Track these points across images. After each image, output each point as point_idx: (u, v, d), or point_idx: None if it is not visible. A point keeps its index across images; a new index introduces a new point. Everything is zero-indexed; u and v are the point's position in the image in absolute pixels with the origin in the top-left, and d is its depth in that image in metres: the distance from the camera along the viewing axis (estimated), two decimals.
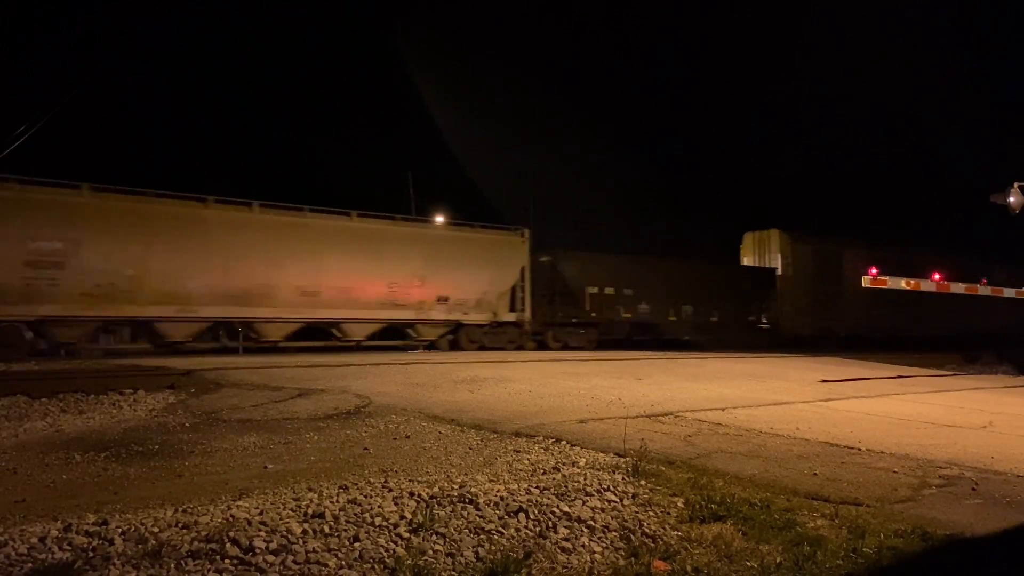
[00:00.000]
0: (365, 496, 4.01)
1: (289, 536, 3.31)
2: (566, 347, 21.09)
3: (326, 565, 3.09)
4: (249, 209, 16.82)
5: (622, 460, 5.09)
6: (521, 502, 3.92)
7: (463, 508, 3.82)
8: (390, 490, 4.15)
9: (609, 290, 22.60)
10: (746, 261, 29.11)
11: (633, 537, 3.64)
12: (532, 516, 3.77)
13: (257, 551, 3.13)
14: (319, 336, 18.21)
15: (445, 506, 3.83)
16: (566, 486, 4.28)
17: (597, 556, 3.42)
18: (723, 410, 8.10)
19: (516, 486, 4.27)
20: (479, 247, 20.19)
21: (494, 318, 20.10)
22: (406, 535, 3.43)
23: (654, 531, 3.72)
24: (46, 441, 6.10)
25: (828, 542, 3.56)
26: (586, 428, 6.66)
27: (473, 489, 4.12)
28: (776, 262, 27.95)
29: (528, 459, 5.30)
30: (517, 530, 3.61)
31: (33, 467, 5.12)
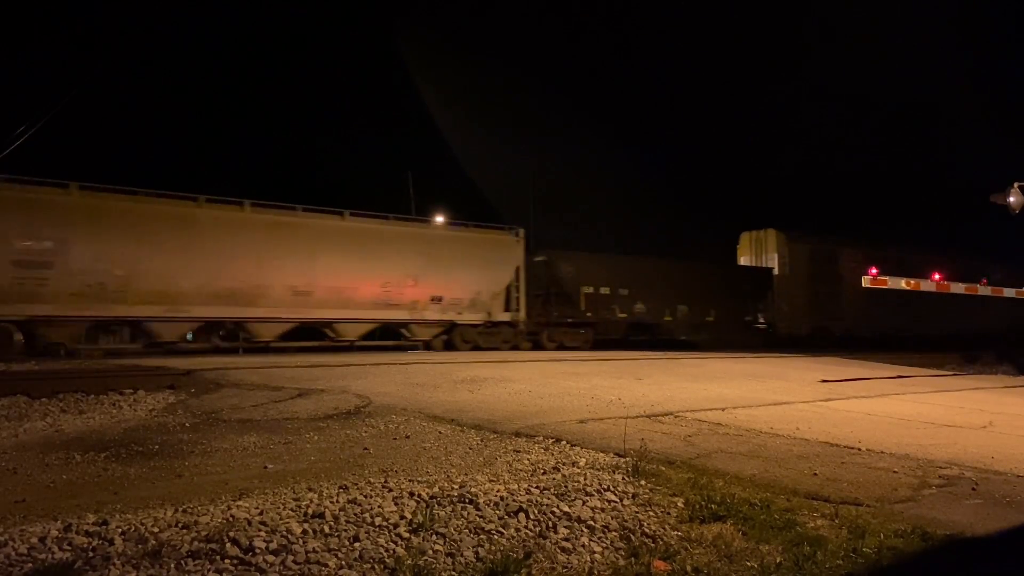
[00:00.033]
0: (365, 496, 4.01)
1: (289, 536, 3.31)
2: (561, 347, 21.05)
3: (326, 565, 3.09)
4: (241, 208, 16.77)
5: (622, 460, 5.09)
6: (521, 502, 3.92)
7: (463, 508, 3.82)
8: (390, 490, 4.15)
9: (605, 290, 22.60)
10: (743, 261, 29.11)
11: (633, 537, 3.64)
12: (532, 516, 3.77)
13: (257, 551, 3.14)
14: (312, 336, 18.17)
15: (445, 506, 3.83)
16: (566, 486, 4.28)
17: (597, 556, 3.42)
18: (723, 410, 8.10)
19: (516, 486, 4.27)
20: (473, 247, 20.14)
21: (488, 318, 20.07)
22: (406, 535, 3.43)
23: (654, 531, 3.72)
24: (46, 441, 6.10)
25: (828, 542, 3.56)
26: (586, 428, 6.66)
27: (473, 489, 4.12)
28: (773, 262, 27.95)
29: (528, 459, 5.30)
30: (517, 530, 3.61)
31: (33, 467, 5.12)
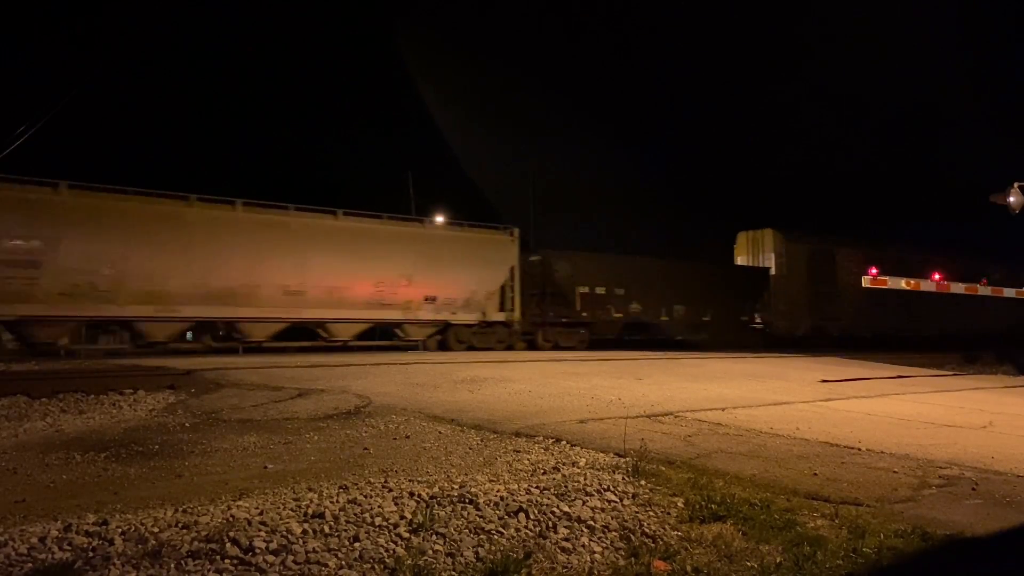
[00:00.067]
0: (365, 496, 4.01)
1: (289, 536, 3.31)
2: (556, 347, 21.00)
3: (326, 565, 3.09)
4: (232, 208, 16.69)
5: (622, 460, 5.09)
6: (521, 502, 3.92)
7: (463, 508, 3.82)
8: (390, 490, 4.15)
9: (600, 290, 22.53)
10: (740, 261, 29.06)
11: (633, 537, 3.64)
12: (532, 516, 3.77)
13: (257, 551, 3.13)
14: (305, 336, 18.10)
15: (445, 506, 3.83)
16: (566, 486, 4.28)
17: (597, 556, 3.42)
18: (723, 410, 8.10)
19: (516, 486, 4.27)
20: (468, 246, 20.06)
21: (483, 318, 19.99)
22: (406, 535, 3.43)
23: (654, 531, 3.72)
24: (46, 441, 6.10)
25: (828, 542, 3.56)
26: (586, 428, 6.66)
27: (473, 489, 4.12)
28: (770, 262, 27.91)
29: (528, 459, 5.30)
30: (517, 530, 3.61)
31: (33, 467, 5.12)
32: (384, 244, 18.59)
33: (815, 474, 5.03)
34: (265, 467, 5.16)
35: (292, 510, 3.71)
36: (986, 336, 28.39)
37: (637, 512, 3.96)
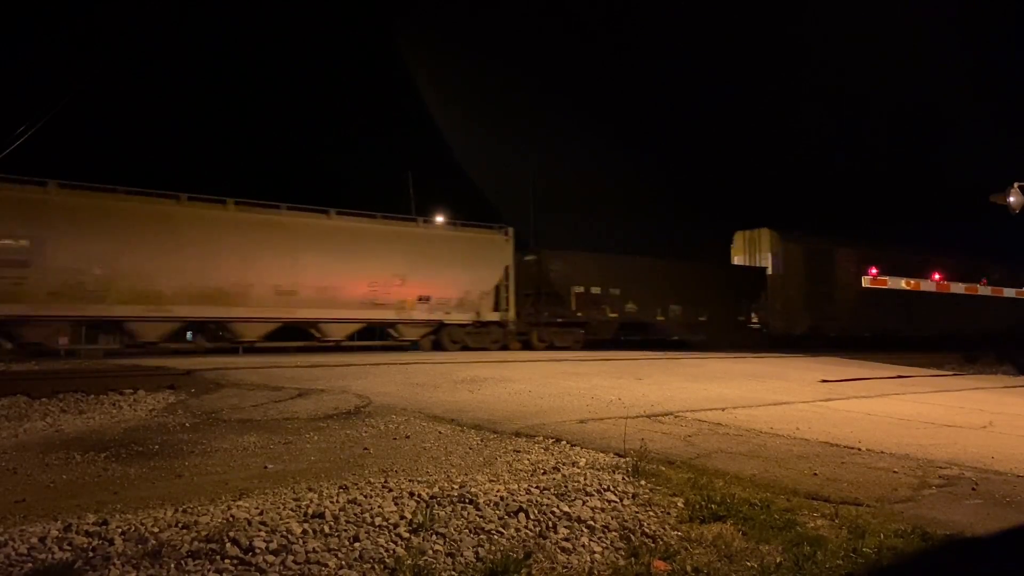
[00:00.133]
0: (365, 496, 4.01)
1: (289, 536, 3.31)
2: (551, 347, 20.94)
3: (326, 565, 3.09)
4: (224, 207, 16.63)
5: (622, 460, 5.09)
6: (521, 502, 3.92)
7: (463, 508, 3.82)
8: (390, 490, 4.15)
9: (595, 289, 22.45)
10: (737, 260, 29.01)
11: (633, 537, 3.64)
12: (532, 516, 3.77)
13: (257, 551, 3.14)
14: (297, 336, 18.03)
15: (445, 506, 3.83)
16: (566, 486, 4.28)
17: (597, 556, 3.42)
18: (723, 410, 8.10)
19: (516, 486, 4.27)
20: (462, 246, 20.00)
21: (477, 318, 19.92)
22: (406, 535, 3.43)
23: (654, 531, 3.72)
24: (46, 441, 6.10)
25: (828, 542, 3.56)
26: (586, 428, 6.66)
27: (473, 489, 4.12)
28: (767, 261, 27.88)
29: (528, 459, 5.30)
30: (517, 530, 3.61)
31: (33, 467, 5.12)
32: (377, 243, 18.52)
33: (815, 474, 5.03)
34: (265, 467, 5.16)
35: (292, 510, 3.71)
36: (986, 336, 28.38)
37: (637, 512, 3.96)
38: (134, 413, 7.63)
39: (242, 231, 16.71)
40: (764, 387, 10.94)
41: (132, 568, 2.95)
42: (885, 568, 3.31)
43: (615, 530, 3.71)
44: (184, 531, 3.36)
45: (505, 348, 20.06)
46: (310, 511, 3.67)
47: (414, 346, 19.38)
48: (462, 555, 3.29)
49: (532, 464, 5.10)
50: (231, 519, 3.53)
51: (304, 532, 3.38)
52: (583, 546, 3.50)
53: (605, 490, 4.24)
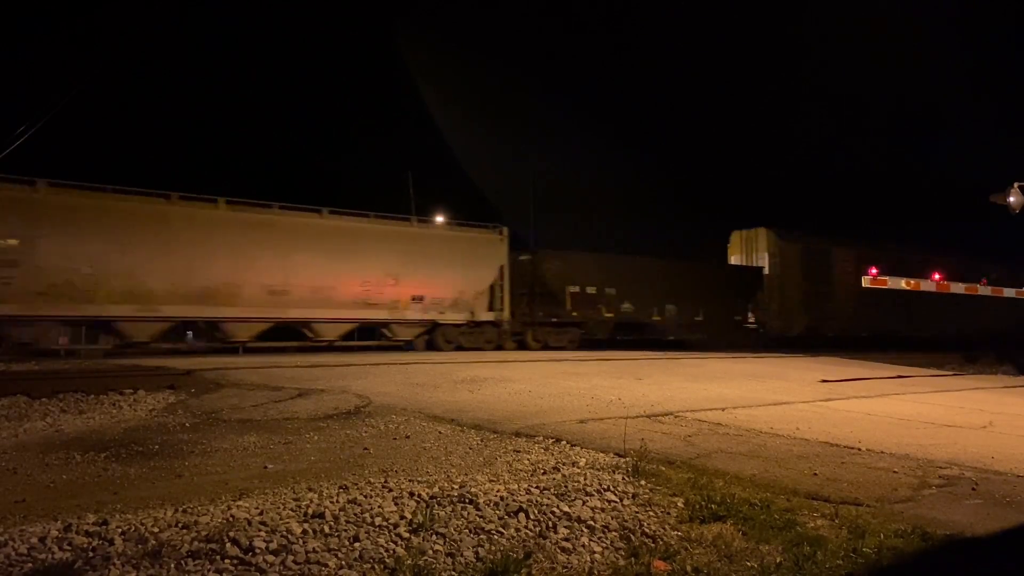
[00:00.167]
0: (365, 496, 4.01)
1: (289, 536, 3.31)
2: (546, 347, 20.90)
3: (326, 565, 3.09)
4: (215, 206, 16.57)
5: (622, 460, 5.09)
6: (521, 502, 3.92)
7: (463, 508, 3.82)
8: (390, 490, 4.15)
9: (591, 289, 22.40)
10: (734, 260, 28.94)
11: (633, 537, 3.64)
12: (532, 516, 3.77)
13: (257, 551, 3.13)
14: (290, 336, 17.96)
15: (445, 506, 3.83)
16: (566, 486, 4.28)
17: (597, 556, 3.41)
18: (723, 410, 8.10)
19: (516, 486, 4.27)
20: (456, 245, 19.94)
21: (472, 318, 19.86)
22: (406, 535, 3.43)
23: (654, 531, 3.72)
24: (46, 441, 6.10)
25: (828, 542, 3.56)
26: (586, 428, 6.66)
27: (473, 489, 4.12)
28: (764, 261, 27.83)
29: (528, 459, 5.30)
30: (517, 530, 3.61)
31: (33, 467, 5.12)
32: (370, 243, 18.46)
33: (815, 474, 5.03)
34: (265, 467, 5.16)
35: (292, 510, 3.71)
36: (985, 336, 28.36)
37: (637, 512, 3.96)
38: (134, 413, 7.63)
39: (234, 230, 16.64)
40: (764, 387, 10.94)
41: (132, 568, 2.95)
42: (885, 568, 3.31)
43: (615, 530, 3.71)
44: (184, 531, 3.36)
45: (500, 348, 20.00)
46: (310, 511, 3.67)
47: (409, 346, 19.31)
48: (462, 555, 3.29)
49: (532, 464, 5.10)
50: (231, 519, 3.53)
51: (304, 532, 3.38)
52: (583, 546, 3.50)
53: (605, 490, 4.24)
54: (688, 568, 3.28)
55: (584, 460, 5.18)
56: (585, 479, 4.48)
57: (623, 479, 4.54)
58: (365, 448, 5.82)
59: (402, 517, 3.64)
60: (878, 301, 29.13)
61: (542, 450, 5.67)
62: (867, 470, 5.21)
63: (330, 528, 3.45)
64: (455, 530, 3.53)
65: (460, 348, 19.40)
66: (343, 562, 3.13)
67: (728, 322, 25.96)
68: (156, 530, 3.36)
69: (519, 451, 5.63)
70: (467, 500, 3.92)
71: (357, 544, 3.31)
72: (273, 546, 3.20)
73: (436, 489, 4.14)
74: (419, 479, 4.58)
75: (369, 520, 3.58)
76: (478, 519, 3.68)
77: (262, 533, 3.31)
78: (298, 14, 67.43)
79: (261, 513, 3.63)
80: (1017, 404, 10.10)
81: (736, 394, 9.76)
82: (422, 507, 3.78)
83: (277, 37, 67.78)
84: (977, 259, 33.97)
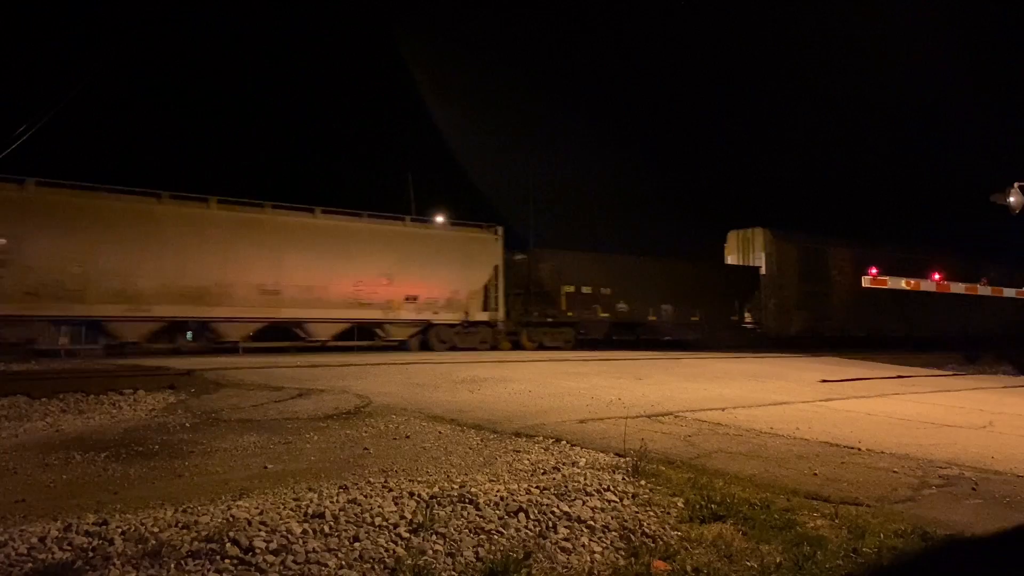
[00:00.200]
0: (365, 496, 4.01)
1: (289, 536, 3.31)
2: (541, 347, 20.82)
3: (326, 565, 3.09)
4: (206, 205, 16.48)
5: (622, 460, 5.09)
6: (521, 502, 3.92)
7: (463, 508, 3.82)
8: (390, 490, 4.15)
9: (586, 289, 22.33)
10: (731, 260, 28.87)
11: (633, 537, 3.64)
12: (532, 516, 3.77)
13: (257, 551, 3.13)
14: (282, 336, 17.87)
15: (445, 506, 3.83)
16: (566, 486, 4.28)
17: (597, 556, 3.41)
18: (723, 410, 8.10)
19: (516, 486, 4.27)
20: (450, 245, 19.85)
21: (466, 318, 19.78)
22: (406, 535, 3.43)
23: (654, 531, 3.72)
24: (46, 441, 6.10)
25: (828, 542, 3.56)
26: (586, 428, 6.66)
27: (473, 489, 4.12)
28: (760, 261, 27.79)
29: (528, 459, 5.30)
30: (517, 530, 3.61)
31: (33, 467, 5.12)
32: (363, 242, 18.37)
33: (815, 474, 5.03)
34: (265, 467, 5.15)
35: (292, 510, 3.71)
36: (984, 337, 28.34)
37: (637, 512, 3.96)
38: (134, 413, 7.63)
39: (225, 230, 16.54)
40: (764, 387, 10.94)
41: (132, 568, 2.95)
42: (885, 568, 3.31)
43: (615, 530, 3.71)
44: (184, 531, 3.36)
45: (495, 348, 19.90)
46: (310, 511, 3.67)
47: (403, 346, 19.23)
48: (462, 555, 3.29)
49: (532, 464, 5.10)
50: (231, 519, 3.53)
51: (304, 532, 3.38)
52: (583, 546, 3.50)
53: (605, 490, 4.24)
54: (688, 568, 3.28)
55: (584, 460, 5.18)
56: (585, 479, 4.48)
57: (623, 479, 4.54)
58: (365, 448, 5.82)
59: (402, 517, 3.64)
60: (876, 301, 29.08)
61: (542, 450, 5.67)
62: (867, 470, 5.21)
63: (330, 528, 3.45)
64: (455, 530, 3.53)
65: (454, 348, 19.29)
66: (343, 562, 3.13)
67: (724, 322, 25.92)
68: (156, 530, 3.36)
69: (519, 451, 5.63)
70: (467, 500, 3.92)
71: (357, 544, 3.31)
72: (273, 546, 3.20)
73: (436, 489, 4.14)
74: (419, 479, 4.58)
75: (369, 520, 3.58)
76: (478, 519, 3.68)
77: (262, 533, 3.31)
78: (298, 14, 67.43)
79: (261, 513, 3.63)
80: (1017, 404, 10.10)
81: (736, 394, 9.76)
82: (422, 507, 3.78)
83: (277, 37, 67.82)
84: (976, 259, 33.94)
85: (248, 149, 61.62)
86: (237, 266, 16.55)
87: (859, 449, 5.99)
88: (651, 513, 3.97)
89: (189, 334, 17.10)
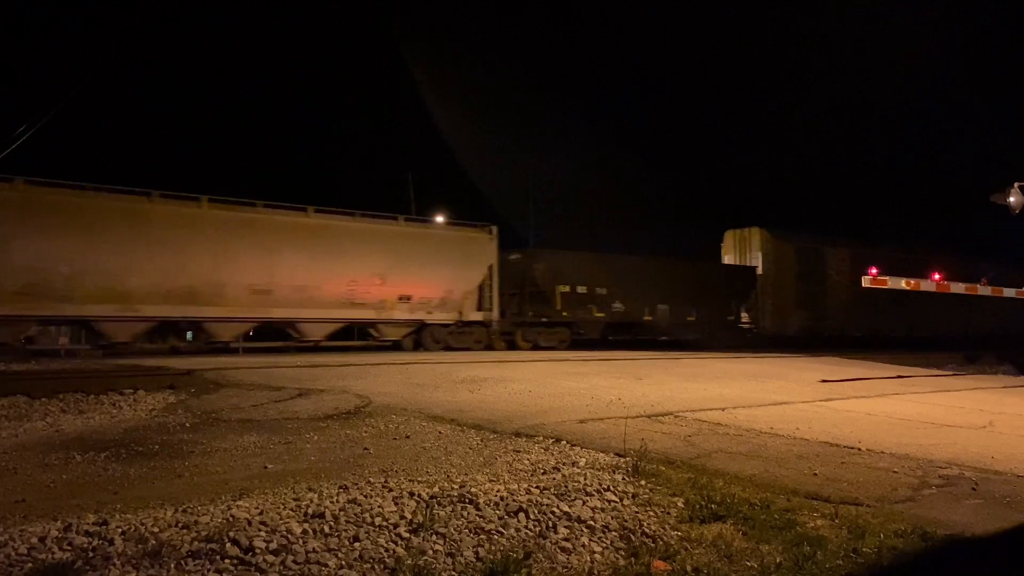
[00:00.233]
0: (365, 496, 4.01)
1: (289, 536, 3.31)
2: (536, 347, 20.76)
3: (326, 565, 3.09)
4: (197, 204, 16.41)
5: (622, 460, 5.09)
6: (521, 502, 3.92)
7: (463, 508, 3.82)
8: (390, 490, 4.15)
9: (582, 289, 22.23)
10: (727, 260, 28.81)
11: (633, 537, 3.64)
12: (532, 516, 3.77)
13: (257, 551, 3.13)
14: (274, 336, 17.77)
15: (445, 506, 3.83)
16: (566, 486, 4.28)
17: (597, 556, 3.41)
18: (723, 410, 8.10)
19: (516, 486, 4.27)
20: (444, 244, 19.78)
21: (460, 317, 19.71)
22: (406, 535, 3.43)
23: (654, 531, 3.72)
24: (46, 441, 6.10)
25: (828, 542, 3.56)
26: (586, 428, 6.66)
27: (473, 489, 4.12)
28: (757, 260, 27.75)
29: (528, 459, 5.30)
30: (517, 530, 3.61)
31: (33, 467, 5.12)
32: (357, 242, 18.29)
33: (815, 474, 5.03)
34: (265, 467, 5.15)
35: (292, 510, 3.71)
36: (984, 337, 28.33)
37: (637, 512, 3.96)
38: (134, 413, 7.63)
39: (216, 229, 16.46)
40: (764, 387, 10.94)
41: (132, 568, 2.95)
42: (885, 568, 3.31)
43: (615, 530, 3.71)
44: (184, 531, 3.36)
45: (489, 348, 19.82)
46: (310, 511, 3.67)
47: (397, 346, 19.17)
48: (462, 555, 3.29)
49: (532, 464, 5.10)
50: (231, 519, 3.53)
51: (304, 532, 3.38)
52: (583, 546, 3.50)
53: (605, 490, 4.24)
54: (688, 568, 3.28)
55: (584, 460, 5.18)
56: (585, 479, 4.48)
57: (623, 479, 4.54)
58: (365, 448, 5.82)
59: (402, 517, 3.63)
60: (875, 301, 29.07)
61: (542, 450, 5.67)
62: (867, 470, 5.21)
63: (330, 528, 3.45)
64: (455, 530, 3.52)
65: (448, 348, 19.23)
66: (343, 562, 3.13)
67: (721, 322, 25.88)
68: (156, 530, 3.36)
69: (519, 451, 5.63)
70: (467, 500, 3.92)
71: (357, 544, 3.31)
72: (273, 546, 3.20)
73: (436, 489, 4.14)
74: (419, 479, 4.58)
75: (369, 520, 3.58)
76: (478, 519, 3.68)
77: (262, 533, 3.31)
78: (297, 13, 67.44)
79: (261, 513, 3.63)
80: (1017, 404, 10.10)
81: (736, 394, 9.75)
82: (422, 507, 3.78)
83: (276, 37, 67.80)
84: (975, 259, 33.92)
85: (248, 149, 61.65)
86: (229, 266, 16.48)
87: (859, 449, 5.99)
88: (651, 513, 3.97)
89: (189, 334, 17.09)
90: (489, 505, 3.86)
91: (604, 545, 3.54)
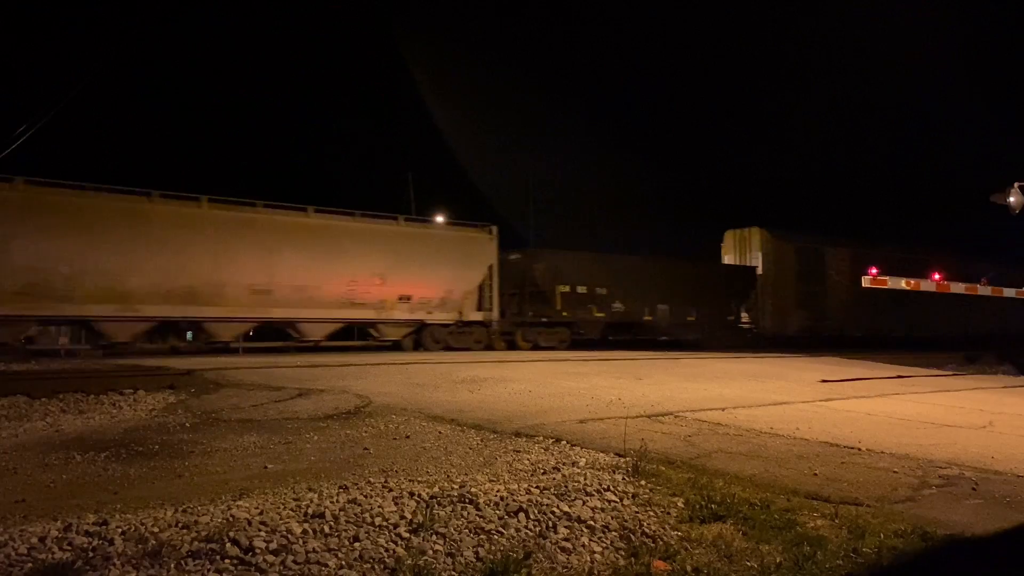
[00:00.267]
0: (365, 496, 4.01)
1: (289, 536, 3.31)
2: (536, 347, 20.76)
3: (326, 565, 3.09)
4: (197, 204, 16.41)
5: (622, 460, 5.09)
6: (521, 502, 3.92)
7: (463, 508, 3.82)
8: (390, 490, 4.15)
9: (581, 289, 22.22)
10: (727, 260, 28.80)
11: (633, 537, 3.64)
12: (532, 516, 3.77)
13: (257, 551, 3.13)
14: (274, 336, 17.75)
15: (445, 506, 3.83)
16: (566, 486, 4.28)
17: (597, 556, 3.41)
18: (723, 410, 8.10)
19: (516, 486, 4.27)
20: (444, 244, 19.77)
21: (460, 317, 19.70)
22: (406, 535, 3.43)
23: (654, 531, 3.72)
24: (46, 441, 6.10)
25: (828, 542, 3.56)
26: (586, 428, 6.66)
27: (473, 489, 4.12)
28: (757, 260, 27.74)
29: (528, 459, 5.29)
30: (517, 530, 3.61)
31: (33, 467, 5.12)
32: (357, 242, 18.28)
33: (815, 474, 5.03)
34: (265, 467, 5.15)
35: (292, 510, 3.71)
36: (984, 337, 28.31)
37: (637, 512, 3.96)
38: (134, 413, 7.63)
39: (216, 229, 16.46)
40: (764, 387, 10.94)
41: (132, 568, 2.95)
42: (885, 568, 3.31)
43: (615, 530, 3.70)
44: (184, 531, 3.36)
45: (489, 348, 19.81)
46: (310, 511, 3.67)
47: (396, 346, 19.16)
48: (462, 555, 3.29)
49: (532, 464, 5.10)
50: (231, 519, 3.53)
51: (304, 532, 3.38)
52: (583, 546, 3.50)
53: (605, 490, 4.24)
54: (688, 568, 3.28)
55: (584, 460, 5.18)
56: (585, 479, 4.48)
57: (623, 479, 4.54)
58: (365, 448, 5.82)
59: (402, 517, 3.63)
60: (874, 301, 29.05)
61: (542, 450, 5.66)
62: (867, 470, 5.21)
63: (330, 528, 3.45)
64: (455, 530, 3.52)
65: (448, 348, 19.22)
66: (343, 562, 3.13)
67: (721, 322, 25.86)
68: (156, 530, 3.36)
69: (519, 451, 5.63)
70: (467, 500, 3.92)
71: (357, 544, 3.30)
72: (273, 546, 3.19)
73: (436, 489, 4.14)
74: (419, 479, 4.58)
75: (369, 520, 3.58)
76: (478, 519, 3.68)
77: (262, 533, 3.31)
78: (297, 13, 67.45)
79: (261, 513, 3.62)
80: (1017, 404, 10.10)
81: (736, 394, 9.75)
82: (422, 507, 3.78)
83: (276, 37, 67.82)
84: (975, 259, 33.90)
85: (248, 149, 61.65)
86: (229, 266, 16.47)
87: (859, 449, 5.98)
88: (651, 513, 3.97)
89: (189, 334, 17.09)
90: (489, 505, 3.86)
91: (604, 545, 3.54)
